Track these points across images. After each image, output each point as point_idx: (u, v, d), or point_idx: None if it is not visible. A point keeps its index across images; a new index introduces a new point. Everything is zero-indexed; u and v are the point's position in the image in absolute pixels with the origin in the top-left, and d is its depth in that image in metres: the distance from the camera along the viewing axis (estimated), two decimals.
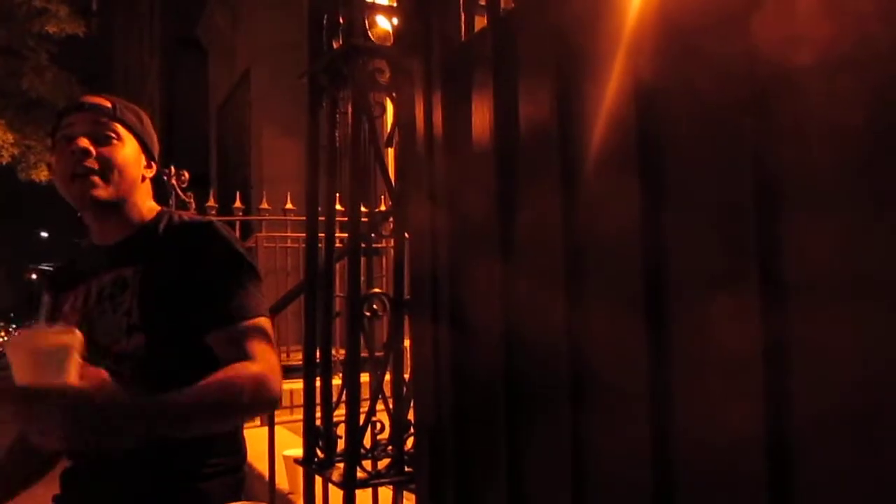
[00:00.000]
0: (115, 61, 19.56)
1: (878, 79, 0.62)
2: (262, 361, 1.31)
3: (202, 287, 1.34)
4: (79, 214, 1.47)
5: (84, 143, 1.37)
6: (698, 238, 0.80)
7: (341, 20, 1.53)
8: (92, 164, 1.37)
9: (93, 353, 1.39)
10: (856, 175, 0.64)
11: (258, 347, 1.32)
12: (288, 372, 4.64)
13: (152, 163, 1.51)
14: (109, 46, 19.50)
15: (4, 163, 9.06)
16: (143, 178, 1.48)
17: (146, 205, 1.50)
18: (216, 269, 1.36)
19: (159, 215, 1.49)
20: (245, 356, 1.30)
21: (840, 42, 0.65)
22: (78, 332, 1.08)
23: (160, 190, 1.60)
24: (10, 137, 8.94)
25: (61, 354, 1.04)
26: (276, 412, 3.80)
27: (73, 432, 1.06)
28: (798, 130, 0.69)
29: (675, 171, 0.82)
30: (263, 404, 1.34)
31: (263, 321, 1.36)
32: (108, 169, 1.39)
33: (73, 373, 1.05)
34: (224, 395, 1.25)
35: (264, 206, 4.90)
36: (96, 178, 1.38)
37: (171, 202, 4.81)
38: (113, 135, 1.41)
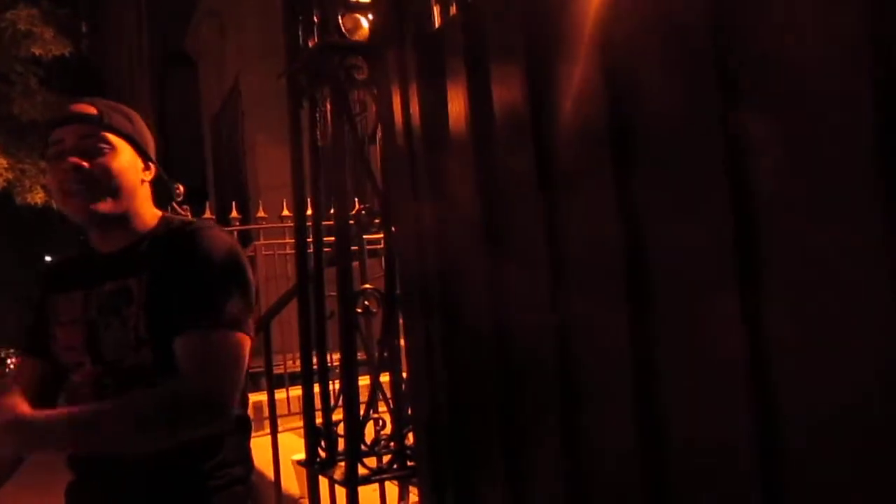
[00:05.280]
0: (106, 80, 19.59)
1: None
2: (201, 378, 1.26)
3: (180, 293, 1.31)
4: (81, 237, 1.45)
5: (74, 160, 1.33)
6: (673, 216, 0.79)
7: (316, 19, 1.52)
8: (85, 180, 1.33)
9: (102, 368, 1.37)
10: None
11: (208, 360, 1.26)
12: (293, 378, 4.64)
13: (150, 164, 1.44)
14: (100, 65, 19.54)
15: (0, 188, 9.08)
16: (143, 182, 1.42)
17: (148, 212, 1.44)
18: (194, 275, 1.32)
19: (161, 222, 1.45)
20: (189, 368, 1.26)
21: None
22: None
23: (162, 189, 1.52)
24: (3, 162, 8.94)
25: None
26: (285, 418, 3.82)
27: None
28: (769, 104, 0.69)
29: (647, 147, 0.82)
30: (186, 424, 1.28)
31: (230, 335, 1.29)
32: (103, 182, 1.34)
33: None
34: (130, 416, 1.24)
35: (261, 214, 4.91)
36: (93, 193, 1.34)
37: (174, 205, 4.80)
38: (104, 145, 1.35)
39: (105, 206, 1.35)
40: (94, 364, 1.38)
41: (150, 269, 1.36)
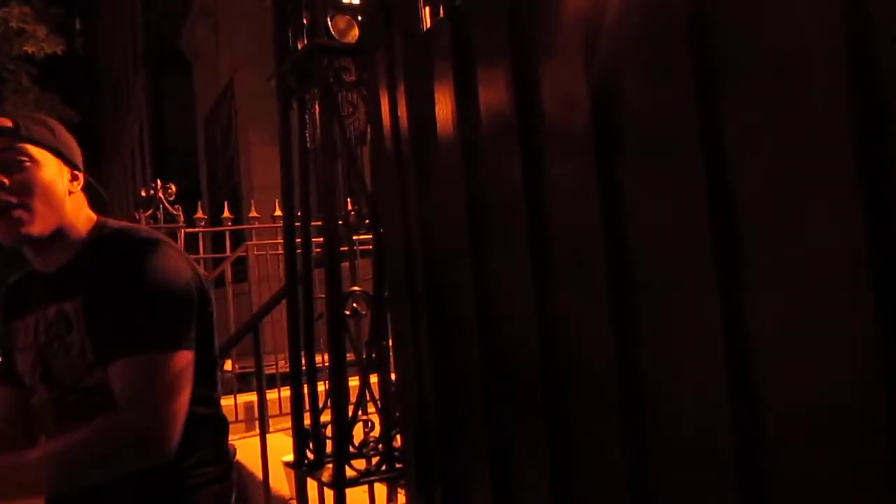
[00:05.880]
0: (101, 79, 19.54)
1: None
2: (135, 409, 1.21)
3: (112, 317, 1.25)
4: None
5: None
6: (654, 210, 0.79)
7: (305, 21, 1.52)
8: (8, 197, 1.26)
9: (59, 391, 1.35)
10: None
11: (140, 388, 1.21)
12: (285, 379, 4.64)
13: (76, 173, 1.37)
14: (95, 64, 19.49)
15: None
16: (71, 193, 1.35)
17: (81, 218, 1.37)
18: (122, 296, 1.26)
19: (96, 228, 1.38)
20: (124, 400, 1.21)
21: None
22: None
23: (96, 197, 1.46)
24: None
25: None
26: (278, 418, 3.81)
27: None
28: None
29: (630, 146, 0.82)
30: (121, 463, 1.23)
31: (162, 357, 1.23)
32: (28, 198, 1.27)
33: None
34: (73, 458, 1.19)
35: (253, 214, 4.89)
36: (20, 213, 1.27)
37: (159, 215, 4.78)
38: (24, 158, 1.28)
39: (35, 228, 1.29)
40: (50, 389, 1.35)
41: (84, 290, 1.30)
